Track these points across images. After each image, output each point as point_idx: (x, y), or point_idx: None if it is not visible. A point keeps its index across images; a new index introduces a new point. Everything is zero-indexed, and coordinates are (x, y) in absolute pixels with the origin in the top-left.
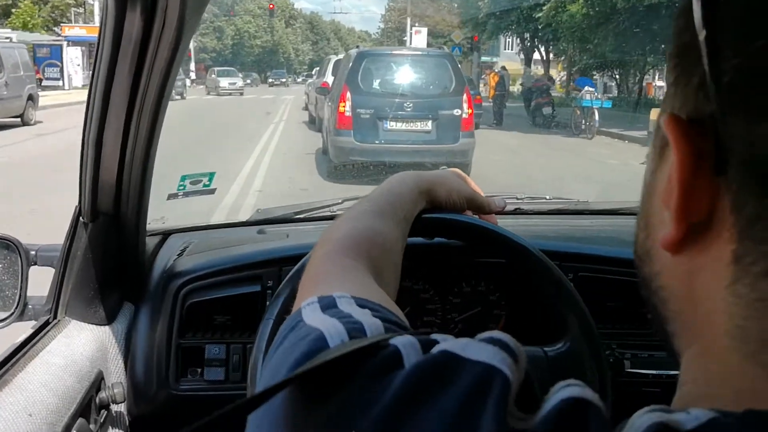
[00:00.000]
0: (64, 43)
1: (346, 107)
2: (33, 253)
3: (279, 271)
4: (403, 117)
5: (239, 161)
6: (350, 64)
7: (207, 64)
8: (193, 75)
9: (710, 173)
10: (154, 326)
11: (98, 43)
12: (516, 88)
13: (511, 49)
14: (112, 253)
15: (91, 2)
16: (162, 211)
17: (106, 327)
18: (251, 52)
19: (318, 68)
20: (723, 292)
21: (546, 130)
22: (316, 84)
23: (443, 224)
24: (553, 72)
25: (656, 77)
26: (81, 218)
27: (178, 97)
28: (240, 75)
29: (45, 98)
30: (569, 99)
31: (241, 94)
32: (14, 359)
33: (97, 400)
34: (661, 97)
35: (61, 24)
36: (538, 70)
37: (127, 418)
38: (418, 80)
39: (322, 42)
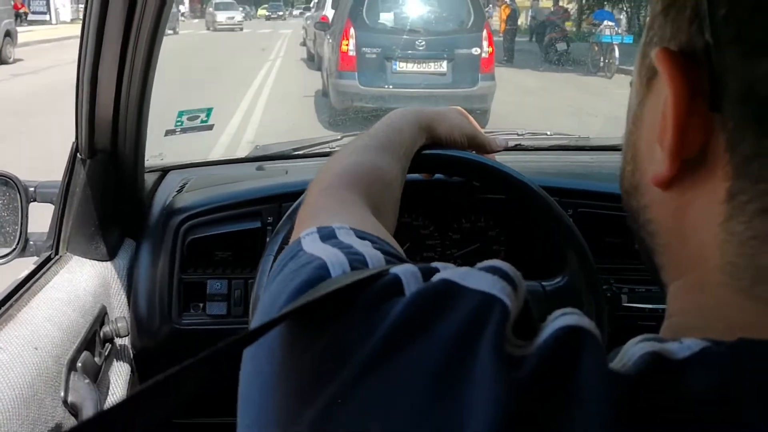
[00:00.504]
0: None
1: (350, 46)
2: (32, 189)
3: (279, 207)
4: (415, 57)
5: (226, 110)
6: None
7: None
8: (183, 8)
9: (705, 109)
10: (156, 262)
11: None
12: (522, 21)
13: None
14: (111, 190)
15: None
16: (160, 148)
17: (108, 263)
18: None
19: (316, 0)
20: (715, 229)
21: (560, 67)
22: (314, 18)
23: (443, 160)
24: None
25: None
26: (78, 155)
27: (171, 32)
28: (240, 8)
29: (29, 34)
30: (581, 34)
31: (241, 29)
32: (18, 294)
33: (101, 334)
34: None
35: None
36: (545, 1)
37: (131, 352)
38: (431, 14)
39: None
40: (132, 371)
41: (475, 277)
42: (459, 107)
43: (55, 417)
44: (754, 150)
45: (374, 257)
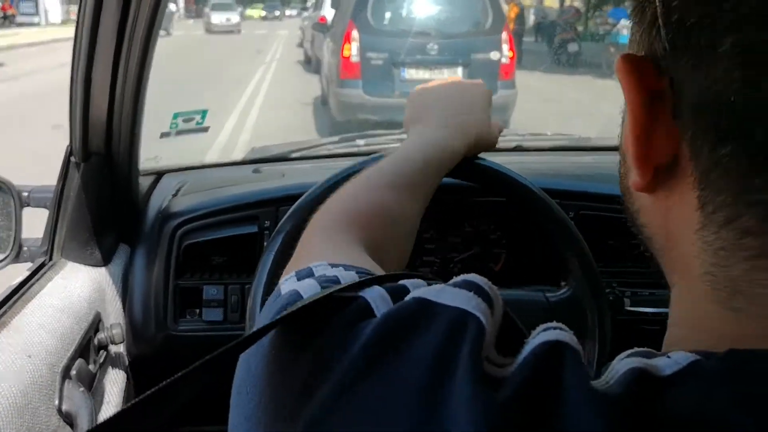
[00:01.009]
0: None
1: (352, 50)
2: (26, 194)
3: (276, 211)
4: (426, 63)
5: (215, 121)
6: None
7: None
8: (175, 7)
9: (669, 116)
10: (151, 268)
11: None
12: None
13: None
14: (106, 194)
15: None
16: (155, 151)
17: (103, 268)
18: None
19: None
20: (693, 237)
21: (573, 69)
22: (312, 18)
23: None
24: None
25: None
26: (72, 158)
27: (164, 32)
28: (238, 9)
29: (15, 37)
30: (591, 34)
31: (239, 31)
32: (11, 301)
33: (96, 341)
34: None
35: None
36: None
37: (126, 359)
38: (443, 14)
39: None
40: (127, 378)
41: (450, 294)
42: (455, 78)
43: (50, 426)
44: (712, 160)
45: (347, 276)
